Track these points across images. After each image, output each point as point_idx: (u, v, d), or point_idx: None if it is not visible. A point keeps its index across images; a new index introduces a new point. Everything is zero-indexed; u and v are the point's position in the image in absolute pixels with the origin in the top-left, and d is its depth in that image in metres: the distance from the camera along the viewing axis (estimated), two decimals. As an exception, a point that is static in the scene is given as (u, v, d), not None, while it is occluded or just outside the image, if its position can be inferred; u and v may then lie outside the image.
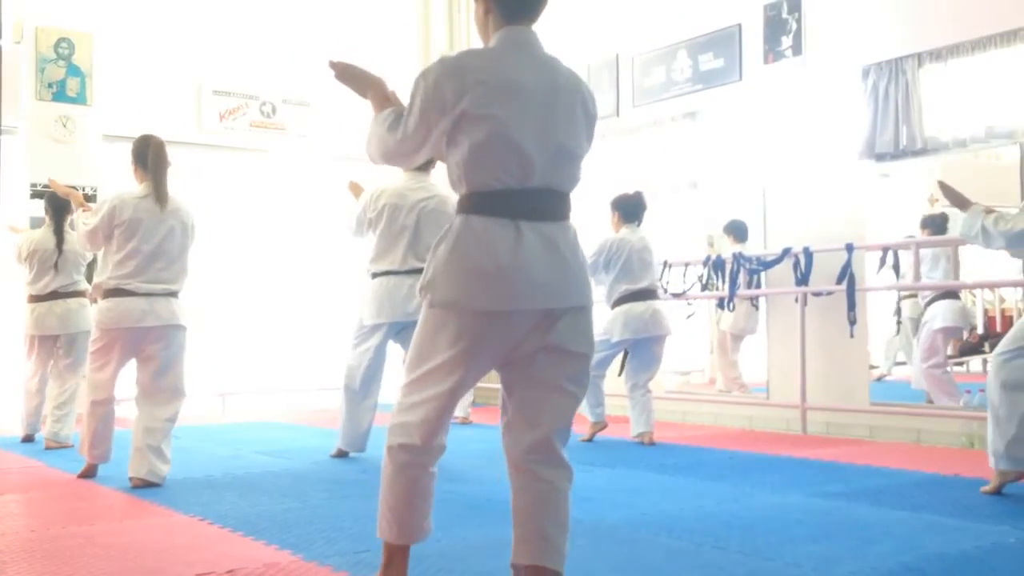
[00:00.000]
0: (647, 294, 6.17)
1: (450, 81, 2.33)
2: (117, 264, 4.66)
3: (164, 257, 4.73)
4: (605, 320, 6.27)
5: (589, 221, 6.86)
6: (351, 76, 2.64)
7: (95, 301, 4.92)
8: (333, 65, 2.64)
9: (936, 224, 6.78)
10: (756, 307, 7.61)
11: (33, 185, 7.95)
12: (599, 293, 6.18)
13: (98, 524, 3.73)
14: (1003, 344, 4.11)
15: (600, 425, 6.30)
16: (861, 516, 3.70)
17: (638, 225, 6.34)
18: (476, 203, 2.35)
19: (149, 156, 4.79)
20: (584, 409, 6.30)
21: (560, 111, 2.42)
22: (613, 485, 4.53)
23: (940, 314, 6.71)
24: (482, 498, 4.14)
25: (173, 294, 4.78)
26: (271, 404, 8.72)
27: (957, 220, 4.58)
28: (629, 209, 6.36)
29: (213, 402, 8.79)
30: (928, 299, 6.91)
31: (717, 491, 4.30)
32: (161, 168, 4.81)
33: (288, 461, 5.39)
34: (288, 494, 4.33)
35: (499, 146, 2.32)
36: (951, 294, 6.86)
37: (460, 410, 7.59)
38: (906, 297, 7.09)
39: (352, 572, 2.92)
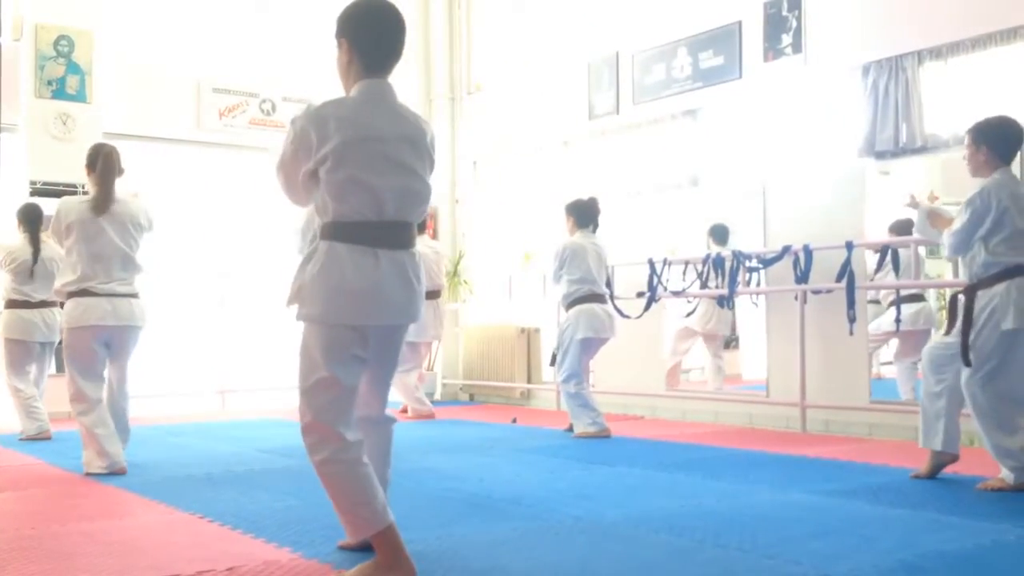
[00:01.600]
0: (604, 297, 6.54)
1: (315, 128, 2.67)
2: (72, 267, 4.83)
3: (115, 259, 4.87)
4: (562, 322, 6.46)
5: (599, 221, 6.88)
6: None
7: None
8: None
9: (900, 229, 6.82)
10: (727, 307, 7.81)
11: (33, 183, 7.95)
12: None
13: (98, 521, 3.73)
14: (974, 366, 4.18)
15: (605, 431, 6.32)
16: (860, 514, 3.71)
17: (593, 230, 6.59)
18: (340, 231, 2.71)
19: (99, 162, 4.89)
20: (584, 425, 6.34)
21: (407, 158, 2.77)
22: (612, 483, 4.53)
23: (903, 319, 6.91)
24: (482, 495, 4.14)
25: (133, 295, 4.96)
26: (271, 401, 8.72)
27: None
28: (584, 214, 6.60)
29: (213, 399, 8.81)
30: (890, 301, 6.97)
31: (717, 489, 4.30)
32: (109, 174, 4.91)
33: (288, 459, 5.39)
34: (288, 492, 4.33)
35: (357, 188, 2.68)
36: (917, 297, 6.96)
37: (411, 401, 7.88)
38: (870, 301, 7.13)
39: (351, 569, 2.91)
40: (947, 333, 4.38)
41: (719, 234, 8.09)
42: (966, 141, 4.34)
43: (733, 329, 8.87)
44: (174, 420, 7.64)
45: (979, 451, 5.03)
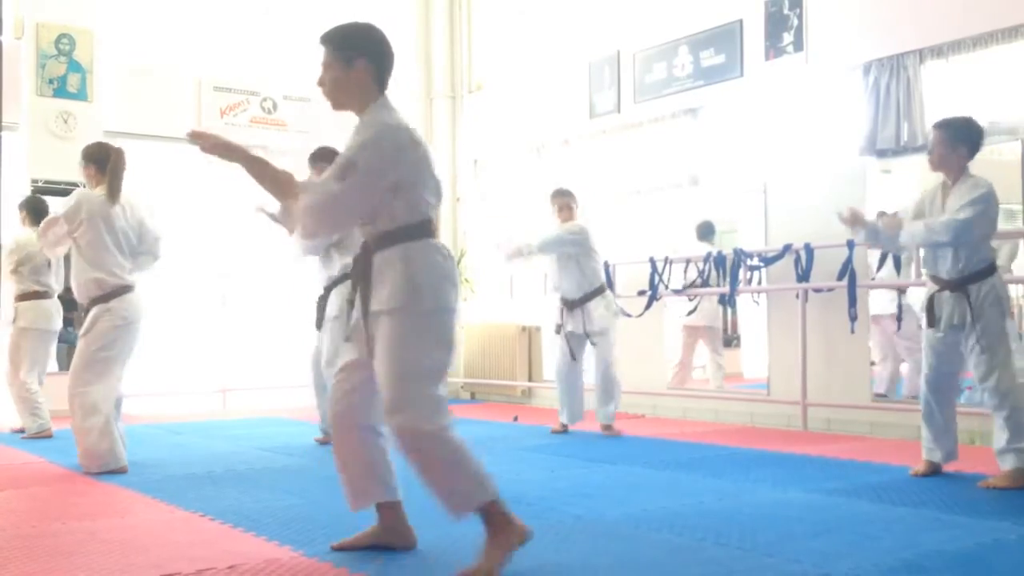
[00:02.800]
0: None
1: (395, 144, 2.86)
2: (100, 263, 4.89)
3: (122, 252, 4.98)
4: (603, 308, 6.39)
5: (590, 219, 6.92)
6: (219, 147, 2.92)
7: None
8: (195, 136, 2.93)
9: None
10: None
11: (34, 181, 7.95)
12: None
13: (99, 520, 3.73)
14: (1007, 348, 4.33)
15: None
16: (861, 512, 3.71)
17: None
18: (415, 231, 2.88)
19: (110, 161, 5.01)
20: (602, 412, 6.38)
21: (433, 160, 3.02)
22: (613, 481, 4.53)
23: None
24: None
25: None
26: (272, 400, 8.73)
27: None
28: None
29: (214, 398, 8.81)
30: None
31: (718, 487, 4.30)
32: (118, 172, 5.05)
33: (289, 457, 5.40)
34: (289, 490, 4.33)
35: (429, 185, 2.92)
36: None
37: None
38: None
39: (351, 568, 2.92)
40: (931, 327, 4.42)
41: (705, 231, 8.17)
42: (939, 138, 4.40)
43: (734, 328, 8.87)
44: (175, 419, 7.64)
45: (980, 449, 5.03)
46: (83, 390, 4.82)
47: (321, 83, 2.99)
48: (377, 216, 2.88)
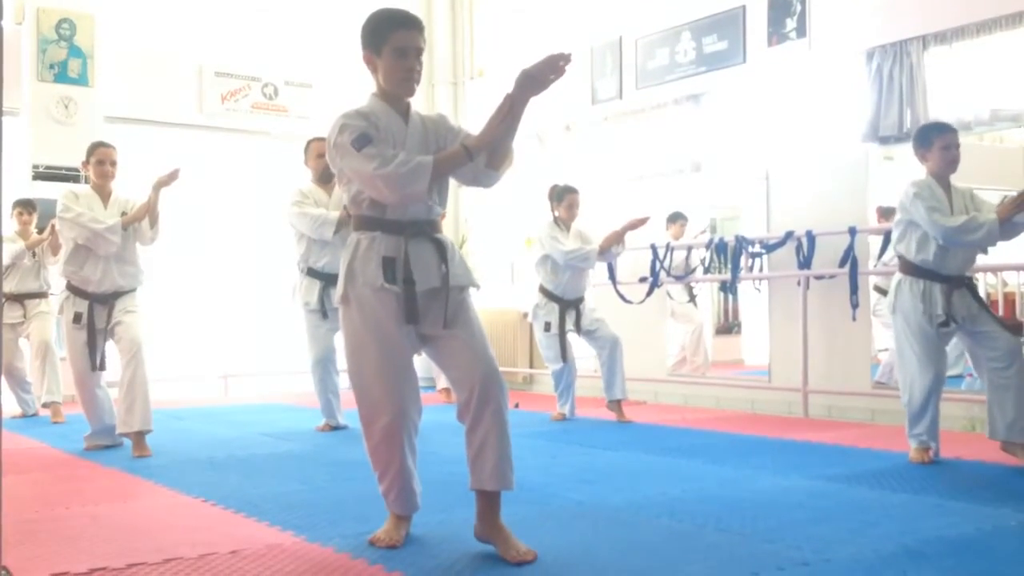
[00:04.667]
0: None
1: None
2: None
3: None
4: (592, 303, 6.50)
5: (592, 205, 6.92)
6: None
7: None
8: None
9: (887, 214, 6.82)
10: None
11: (35, 167, 7.94)
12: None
13: (102, 505, 3.74)
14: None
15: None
16: (862, 499, 3.71)
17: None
18: None
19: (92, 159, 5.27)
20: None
21: None
22: (614, 467, 4.55)
23: None
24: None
25: None
26: (274, 386, 8.74)
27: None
28: None
29: (216, 384, 8.83)
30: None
31: (719, 474, 4.31)
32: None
33: (291, 443, 5.41)
34: (291, 476, 4.35)
35: None
36: None
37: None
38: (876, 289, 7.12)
39: (353, 553, 2.93)
40: (944, 325, 4.45)
41: (675, 221, 8.24)
42: (958, 141, 4.45)
43: (735, 314, 8.87)
44: (177, 404, 7.66)
45: (981, 436, 5.04)
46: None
47: (417, 71, 3.11)
48: (442, 200, 3.08)
